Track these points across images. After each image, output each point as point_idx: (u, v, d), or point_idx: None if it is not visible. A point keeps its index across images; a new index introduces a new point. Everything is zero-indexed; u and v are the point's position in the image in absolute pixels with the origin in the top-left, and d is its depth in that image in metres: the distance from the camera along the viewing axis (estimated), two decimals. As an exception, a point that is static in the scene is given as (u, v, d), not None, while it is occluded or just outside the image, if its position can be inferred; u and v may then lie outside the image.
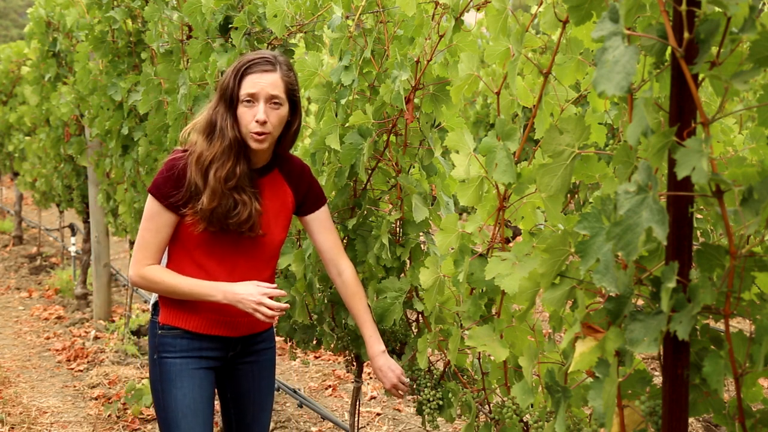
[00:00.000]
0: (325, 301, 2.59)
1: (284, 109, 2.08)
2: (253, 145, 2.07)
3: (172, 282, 2.08)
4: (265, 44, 2.79)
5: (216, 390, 2.32)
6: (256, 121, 2.03)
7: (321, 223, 2.26)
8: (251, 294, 2.03)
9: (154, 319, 2.20)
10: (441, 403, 2.17)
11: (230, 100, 2.06)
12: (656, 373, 4.19)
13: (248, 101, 2.04)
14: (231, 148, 2.05)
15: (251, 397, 2.32)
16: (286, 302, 2.65)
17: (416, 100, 2.20)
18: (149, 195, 2.10)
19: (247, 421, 2.34)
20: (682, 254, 1.19)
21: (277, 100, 2.05)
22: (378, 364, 2.20)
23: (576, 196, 4.21)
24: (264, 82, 2.03)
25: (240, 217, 2.06)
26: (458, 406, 2.12)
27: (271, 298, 2.06)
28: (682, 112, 1.17)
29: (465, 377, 2.20)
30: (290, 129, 2.15)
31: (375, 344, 2.21)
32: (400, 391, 2.19)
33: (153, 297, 2.24)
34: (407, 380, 2.19)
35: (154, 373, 2.18)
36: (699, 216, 1.67)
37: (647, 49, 1.21)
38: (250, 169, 2.11)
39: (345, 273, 2.26)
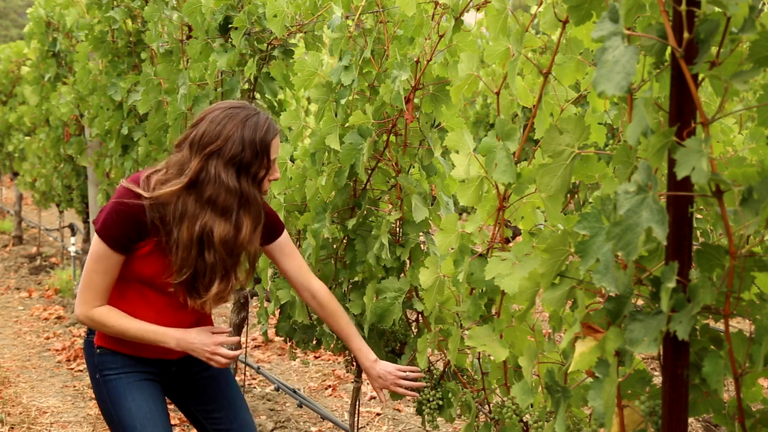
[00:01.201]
0: (325, 301, 2.58)
1: None
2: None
3: (122, 326, 2.01)
4: (265, 44, 2.79)
5: (180, 408, 2.29)
6: (271, 180, 2.04)
7: (282, 250, 2.22)
8: (205, 344, 2.02)
9: (89, 339, 2.15)
10: (441, 403, 2.17)
11: (259, 172, 1.98)
12: (656, 373, 4.18)
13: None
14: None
15: (217, 403, 2.26)
16: (285, 302, 2.65)
17: (416, 100, 2.21)
18: (96, 235, 1.97)
19: (225, 427, 2.28)
20: (682, 254, 1.19)
21: None
22: (375, 373, 2.19)
23: (576, 196, 4.21)
24: (278, 146, 2.03)
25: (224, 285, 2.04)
26: (458, 406, 2.12)
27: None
28: (682, 112, 1.17)
29: (465, 377, 2.20)
30: None
31: (366, 356, 2.21)
32: (404, 387, 2.18)
33: None
34: (405, 374, 2.18)
35: (100, 393, 2.11)
36: (699, 216, 1.67)
37: (647, 49, 1.21)
38: None
39: (318, 294, 2.23)
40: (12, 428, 4.00)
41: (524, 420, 1.83)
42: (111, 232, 1.94)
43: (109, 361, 2.10)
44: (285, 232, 2.24)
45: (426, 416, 2.19)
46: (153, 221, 1.95)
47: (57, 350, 5.32)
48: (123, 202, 1.95)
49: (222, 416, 2.27)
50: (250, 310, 3.55)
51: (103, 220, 1.96)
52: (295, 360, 3.77)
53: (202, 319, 2.17)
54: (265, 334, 2.99)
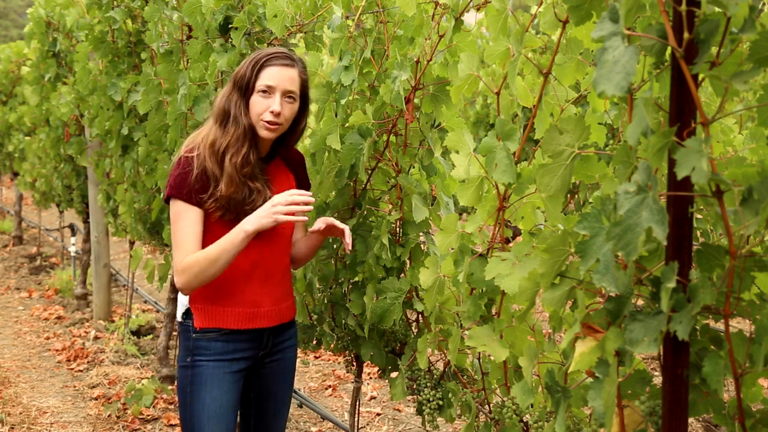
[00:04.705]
0: (325, 301, 2.59)
1: (296, 105, 2.16)
2: (264, 133, 2.13)
3: (208, 254, 2.04)
4: (265, 44, 2.79)
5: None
6: (271, 112, 2.09)
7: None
8: (265, 210, 2.02)
9: (186, 325, 2.21)
10: (441, 403, 2.17)
11: (245, 88, 2.11)
12: (656, 373, 4.19)
13: (264, 92, 2.10)
14: (245, 135, 2.11)
15: (276, 396, 2.34)
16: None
17: (416, 100, 2.21)
18: (170, 201, 2.11)
19: (267, 421, 2.35)
20: (682, 254, 1.19)
21: (292, 95, 2.13)
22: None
23: (576, 196, 4.21)
24: (283, 76, 2.10)
25: (255, 205, 2.10)
26: (458, 406, 2.12)
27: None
28: (682, 112, 1.17)
29: (465, 377, 2.20)
30: (298, 126, 2.22)
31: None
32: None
33: (182, 305, 2.25)
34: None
35: (184, 377, 2.18)
36: (699, 216, 1.67)
37: (647, 49, 1.21)
38: (259, 160, 2.17)
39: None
40: (12, 428, 4.00)
41: (524, 420, 1.83)
42: (177, 187, 2.09)
43: (203, 347, 2.17)
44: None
45: (426, 416, 2.19)
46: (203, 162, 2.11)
47: (57, 350, 5.32)
48: (177, 160, 2.14)
49: (269, 406, 2.34)
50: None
51: (168, 185, 2.12)
52: (295, 360, 3.77)
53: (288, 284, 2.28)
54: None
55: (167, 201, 2.13)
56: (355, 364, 2.64)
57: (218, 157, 2.09)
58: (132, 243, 5.02)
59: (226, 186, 2.06)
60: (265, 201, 2.11)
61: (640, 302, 1.29)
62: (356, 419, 2.63)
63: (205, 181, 2.08)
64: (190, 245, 2.07)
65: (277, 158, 2.28)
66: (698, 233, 2.18)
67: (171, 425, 4.01)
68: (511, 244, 1.78)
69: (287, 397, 2.38)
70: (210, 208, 2.10)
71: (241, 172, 2.08)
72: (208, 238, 2.14)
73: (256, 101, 2.10)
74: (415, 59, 2.14)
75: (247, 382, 2.32)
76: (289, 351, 2.34)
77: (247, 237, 2.02)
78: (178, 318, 2.26)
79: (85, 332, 5.69)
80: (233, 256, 2.05)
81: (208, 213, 2.11)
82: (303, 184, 2.34)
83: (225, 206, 2.08)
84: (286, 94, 2.11)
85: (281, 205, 2.00)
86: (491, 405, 1.97)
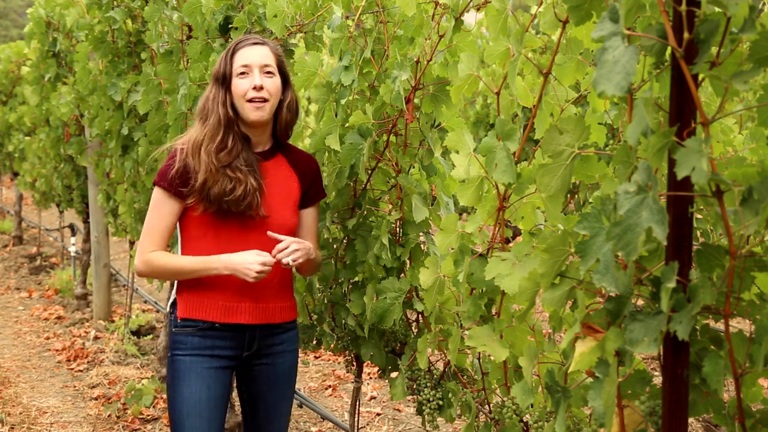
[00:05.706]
0: (325, 301, 2.59)
1: (277, 80, 2.18)
2: (253, 114, 2.13)
3: (175, 263, 2.15)
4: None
5: (239, 392, 2.36)
6: (253, 88, 2.12)
7: (306, 219, 2.32)
8: (248, 261, 2.08)
9: (171, 318, 2.23)
10: (441, 403, 2.17)
11: (223, 78, 2.15)
12: (656, 373, 4.18)
13: (242, 73, 2.14)
14: (219, 123, 2.13)
15: (266, 399, 2.31)
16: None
17: (416, 100, 2.21)
18: (154, 187, 2.18)
19: (258, 422, 2.33)
20: (682, 254, 1.19)
21: (269, 69, 2.16)
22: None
23: (576, 196, 4.21)
24: (255, 54, 2.15)
25: (235, 194, 2.09)
26: (458, 406, 2.12)
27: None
28: (682, 112, 1.17)
29: (465, 377, 2.20)
30: (283, 106, 2.21)
31: None
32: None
33: (171, 296, 2.26)
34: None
35: (167, 371, 2.22)
36: (699, 216, 1.67)
37: (647, 49, 1.21)
38: (248, 151, 2.17)
39: None
40: (12, 428, 4.00)
41: (524, 420, 1.83)
42: (163, 176, 2.15)
43: (181, 341, 2.19)
44: (317, 208, 2.35)
45: (426, 416, 2.19)
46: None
47: (57, 350, 5.32)
48: (171, 152, 2.20)
49: (258, 408, 2.33)
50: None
51: (158, 173, 2.19)
52: (295, 360, 3.76)
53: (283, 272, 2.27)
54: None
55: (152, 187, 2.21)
56: (355, 364, 2.64)
57: (197, 149, 2.13)
58: (132, 243, 5.02)
59: (202, 174, 2.09)
60: (245, 190, 2.10)
61: (640, 302, 1.29)
62: (356, 419, 2.63)
63: (186, 177, 2.12)
64: (159, 236, 2.17)
65: (281, 158, 2.26)
66: (698, 233, 2.18)
67: (171, 425, 4.01)
68: (511, 244, 1.78)
69: (280, 403, 2.34)
70: (191, 203, 2.13)
71: (215, 158, 2.09)
72: (192, 232, 2.18)
73: (237, 84, 2.14)
74: (415, 59, 2.14)
75: (240, 382, 2.32)
76: (282, 356, 2.29)
77: (219, 271, 2.11)
78: (167, 309, 2.28)
79: (85, 332, 5.69)
80: (198, 276, 2.16)
81: (190, 208, 2.15)
82: (310, 191, 2.30)
83: (205, 198, 2.10)
84: (264, 69, 2.14)
85: (257, 264, 2.07)
86: (491, 405, 1.97)
